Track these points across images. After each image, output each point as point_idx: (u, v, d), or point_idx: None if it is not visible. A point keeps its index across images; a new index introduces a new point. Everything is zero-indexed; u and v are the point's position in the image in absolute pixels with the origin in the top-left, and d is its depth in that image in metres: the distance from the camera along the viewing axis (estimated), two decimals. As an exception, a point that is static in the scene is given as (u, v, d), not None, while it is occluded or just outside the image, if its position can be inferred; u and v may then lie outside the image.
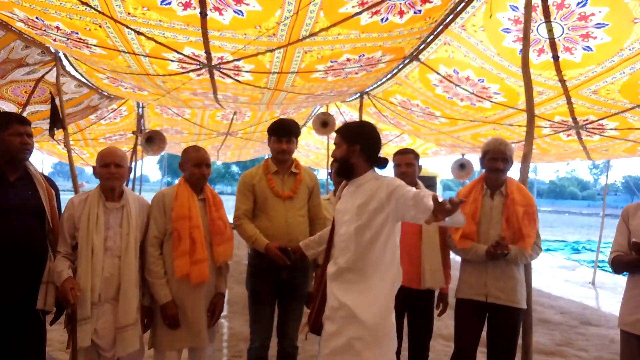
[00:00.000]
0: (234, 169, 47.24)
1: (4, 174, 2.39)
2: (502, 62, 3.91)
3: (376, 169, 2.35)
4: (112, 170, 2.51)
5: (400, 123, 6.77)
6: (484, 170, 2.97)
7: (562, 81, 3.99)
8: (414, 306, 3.09)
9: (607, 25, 3.24)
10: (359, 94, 5.99)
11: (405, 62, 4.47)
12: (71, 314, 2.41)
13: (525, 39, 2.87)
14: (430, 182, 9.94)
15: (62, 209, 2.59)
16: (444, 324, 4.98)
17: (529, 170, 2.99)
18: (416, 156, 3.20)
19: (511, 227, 2.75)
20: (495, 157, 2.83)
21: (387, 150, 9.29)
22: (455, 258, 3.27)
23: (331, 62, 3.87)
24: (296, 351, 2.99)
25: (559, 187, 72.64)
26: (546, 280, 8.83)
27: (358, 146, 2.28)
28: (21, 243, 2.35)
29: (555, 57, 3.68)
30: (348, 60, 3.87)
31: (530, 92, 2.91)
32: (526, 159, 2.97)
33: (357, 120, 2.39)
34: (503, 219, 2.78)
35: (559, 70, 3.84)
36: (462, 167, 8.57)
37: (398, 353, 3.15)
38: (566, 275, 9.59)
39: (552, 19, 3.31)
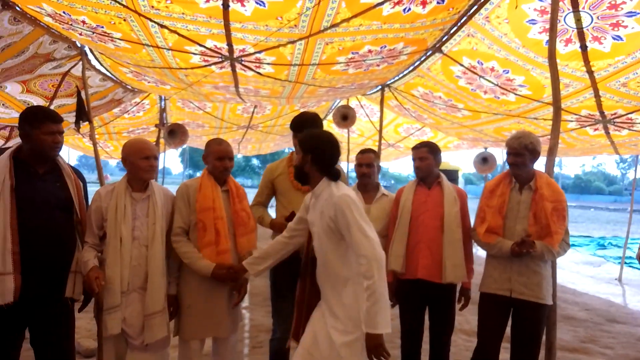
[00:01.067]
0: (255, 162, 47.49)
1: (33, 167, 2.45)
2: (528, 53, 3.82)
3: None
4: (152, 162, 2.59)
5: (421, 116, 6.69)
6: None
7: (590, 72, 3.88)
8: (434, 300, 3.07)
9: (638, 13, 3.13)
10: (380, 87, 5.94)
11: (428, 54, 4.41)
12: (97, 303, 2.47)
13: (552, 30, 2.79)
14: (451, 176, 9.83)
15: (89, 201, 2.65)
16: (465, 319, 4.94)
17: (554, 164, 2.93)
18: (431, 150, 3.13)
19: (538, 222, 2.69)
20: (509, 151, 2.80)
21: (408, 144, 9.22)
22: (477, 252, 3.23)
23: (352, 53, 3.85)
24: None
25: (584, 181, 70.95)
26: (571, 276, 8.67)
27: (310, 156, 2.31)
28: (51, 234, 2.41)
29: (584, 47, 3.58)
30: (369, 51, 3.83)
31: (557, 84, 2.85)
32: (552, 152, 2.90)
33: (320, 130, 2.36)
34: (530, 214, 2.72)
35: (586, 61, 3.73)
36: (484, 160, 8.43)
37: (419, 347, 3.14)
38: (591, 272, 9.40)
39: (580, 8, 3.22)
